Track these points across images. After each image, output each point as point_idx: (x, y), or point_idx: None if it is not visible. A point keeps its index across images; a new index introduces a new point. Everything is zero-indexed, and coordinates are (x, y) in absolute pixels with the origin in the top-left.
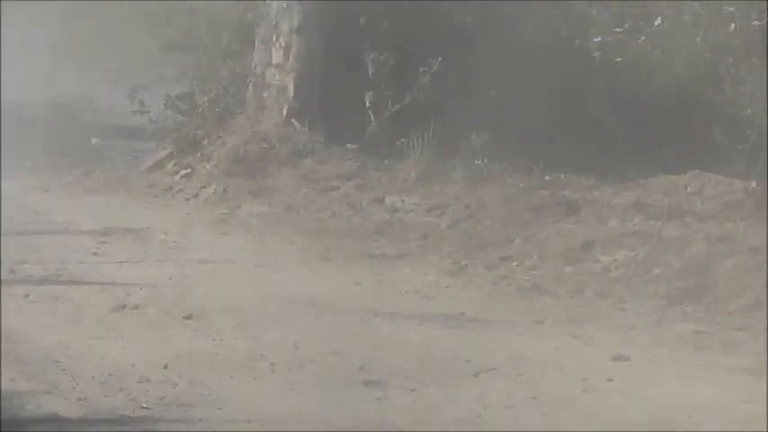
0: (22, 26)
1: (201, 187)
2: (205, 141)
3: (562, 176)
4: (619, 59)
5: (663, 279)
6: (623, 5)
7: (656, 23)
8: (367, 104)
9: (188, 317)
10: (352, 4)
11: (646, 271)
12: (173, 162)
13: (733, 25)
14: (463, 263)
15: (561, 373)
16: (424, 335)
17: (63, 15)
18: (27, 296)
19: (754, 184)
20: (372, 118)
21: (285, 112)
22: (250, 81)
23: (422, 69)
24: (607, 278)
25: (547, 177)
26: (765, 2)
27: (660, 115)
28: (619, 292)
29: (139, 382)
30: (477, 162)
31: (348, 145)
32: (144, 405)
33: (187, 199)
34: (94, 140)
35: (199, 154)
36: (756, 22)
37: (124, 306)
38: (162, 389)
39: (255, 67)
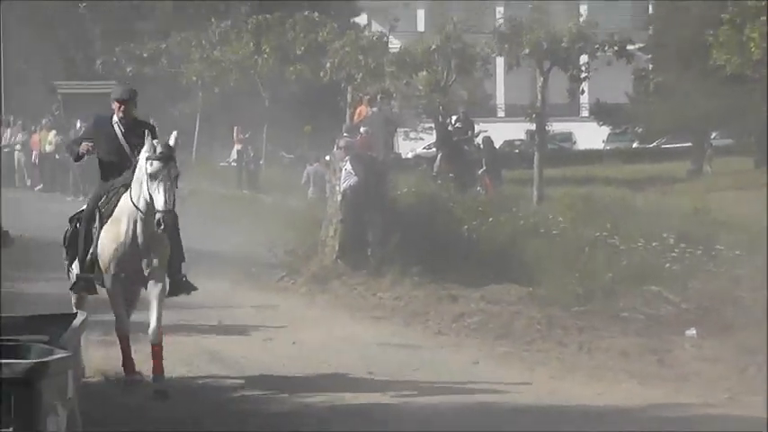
0: None
1: (300, 287)
2: (300, 269)
3: (449, 284)
4: None
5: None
6: None
7: None
8: (369, 253)
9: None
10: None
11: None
12: (287, 278)
13: None
14: (410, 321)
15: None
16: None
17: None
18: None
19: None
20: (372, 259)
21: (335, 256)
22: (319, 242)
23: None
24: (464, 324)
25: (445, 285)
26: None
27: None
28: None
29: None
30: (414, 278)
31: (362, 270)
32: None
33: (293, 293)
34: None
35: (298, 274)
36: None
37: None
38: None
39: (322, 237)
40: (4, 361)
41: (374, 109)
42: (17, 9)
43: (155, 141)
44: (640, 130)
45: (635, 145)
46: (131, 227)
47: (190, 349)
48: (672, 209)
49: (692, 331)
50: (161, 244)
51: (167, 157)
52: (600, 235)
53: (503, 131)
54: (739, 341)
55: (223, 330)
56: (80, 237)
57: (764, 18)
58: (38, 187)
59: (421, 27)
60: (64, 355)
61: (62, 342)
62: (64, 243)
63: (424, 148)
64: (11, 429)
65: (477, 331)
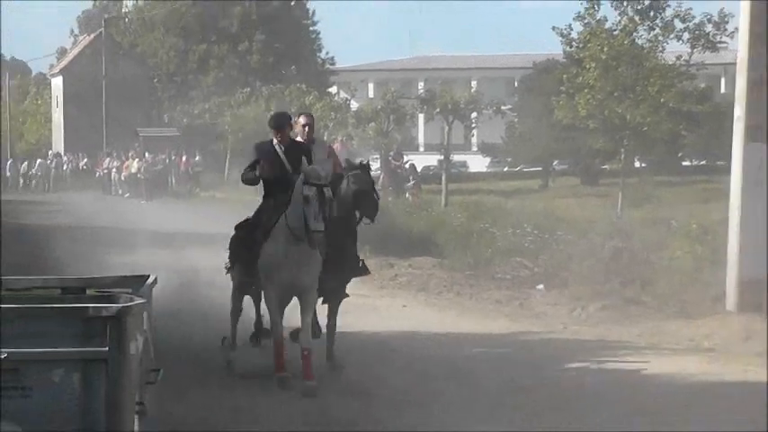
0: None
1: None
2: None
3: (388, 257)
4: None
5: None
6: None
7: None
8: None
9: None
10: None
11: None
12: None
13: None
14: (363, 280)
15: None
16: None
17: None
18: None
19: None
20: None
21: None
22: None
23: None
24: (397, 282)
25: (386, 257)
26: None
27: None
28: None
29: None
30: (366, 253)
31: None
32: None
33: None
34: None
35: None
36: None
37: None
38: None
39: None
40: (103, 305)
41: (339, 146)
42: (115, 85)
43: (309, 168)
44: (510, 159)
45: (506, 169)
46: (286, 245)
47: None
48: (529, 209)
49: (540, 286)
50: (314, 261)
51: (320, 185)
52: (484, 226)
53: (422, 160)
54: (570, 293)
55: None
56: (244, 246)
57: (586, 90)
58: (126, 195)
59: (371, 94)
60: (141, 301)
61: (140, 293)
62: (229, 247)
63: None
64: (107, 348)
65: (406, 286)
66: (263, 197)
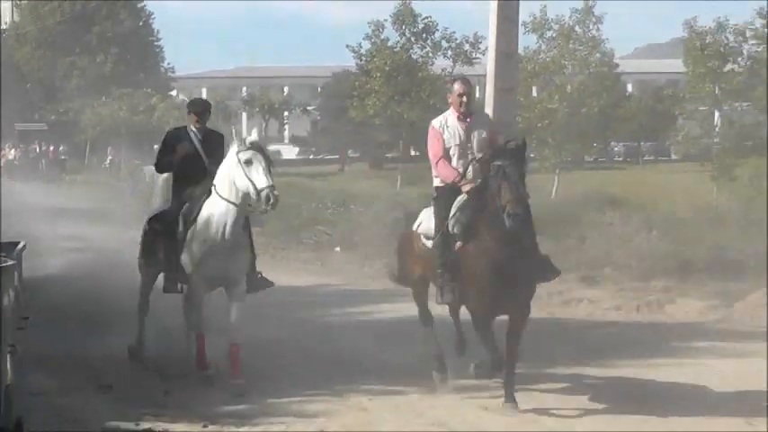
0: None
1: None
2: None
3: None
4: None
5: None
6: None
7: None
8: None
9: None
10: None
11: None
12: None
13: None
14: None
15: None
16: None
17: None
18: None
19: None
20: None
21: None
22: None
23: None
24: None
25: None
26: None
27: None
28: None
29: None
30: None
31: None
32: None
33: None
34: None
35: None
36: None
37: None
38: None
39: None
40: None
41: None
42: None
43: (243, 137)
44: (314, 149)
45: (311, 157)
46: (221, 229)
47: None
48: (329, 188)
49: (337, 248)
50: (244, 246)
51: (258, 146)
52: (294, 201)
53: None
54: (360, 253)
55: None
56: (165, 241)
57: (373, 95)
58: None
59: (204, 97)
60: (12, 263)
61: (12, 257)
62: (141, 246)
63: None
64: None
65: None
66: (174, 188)
